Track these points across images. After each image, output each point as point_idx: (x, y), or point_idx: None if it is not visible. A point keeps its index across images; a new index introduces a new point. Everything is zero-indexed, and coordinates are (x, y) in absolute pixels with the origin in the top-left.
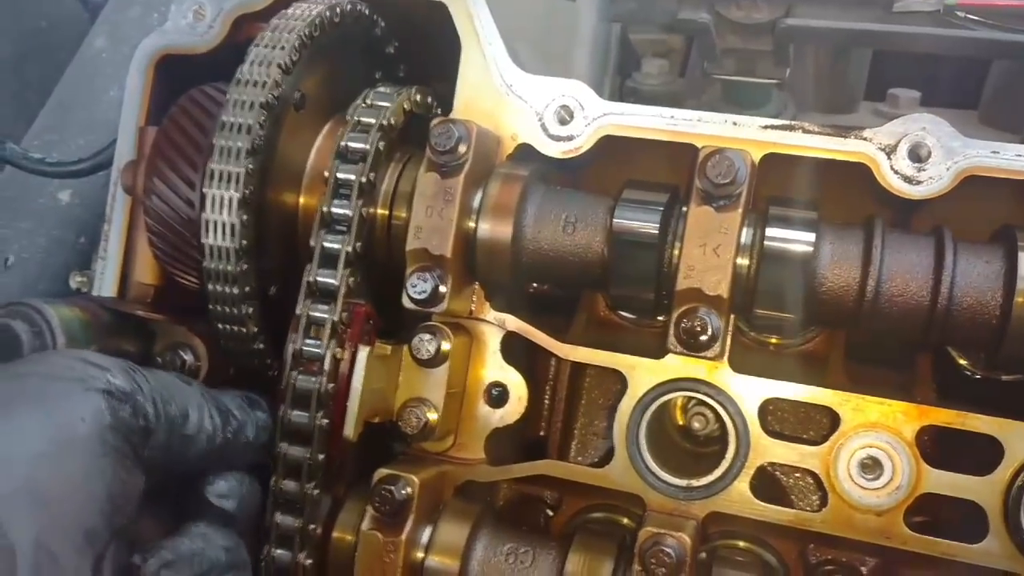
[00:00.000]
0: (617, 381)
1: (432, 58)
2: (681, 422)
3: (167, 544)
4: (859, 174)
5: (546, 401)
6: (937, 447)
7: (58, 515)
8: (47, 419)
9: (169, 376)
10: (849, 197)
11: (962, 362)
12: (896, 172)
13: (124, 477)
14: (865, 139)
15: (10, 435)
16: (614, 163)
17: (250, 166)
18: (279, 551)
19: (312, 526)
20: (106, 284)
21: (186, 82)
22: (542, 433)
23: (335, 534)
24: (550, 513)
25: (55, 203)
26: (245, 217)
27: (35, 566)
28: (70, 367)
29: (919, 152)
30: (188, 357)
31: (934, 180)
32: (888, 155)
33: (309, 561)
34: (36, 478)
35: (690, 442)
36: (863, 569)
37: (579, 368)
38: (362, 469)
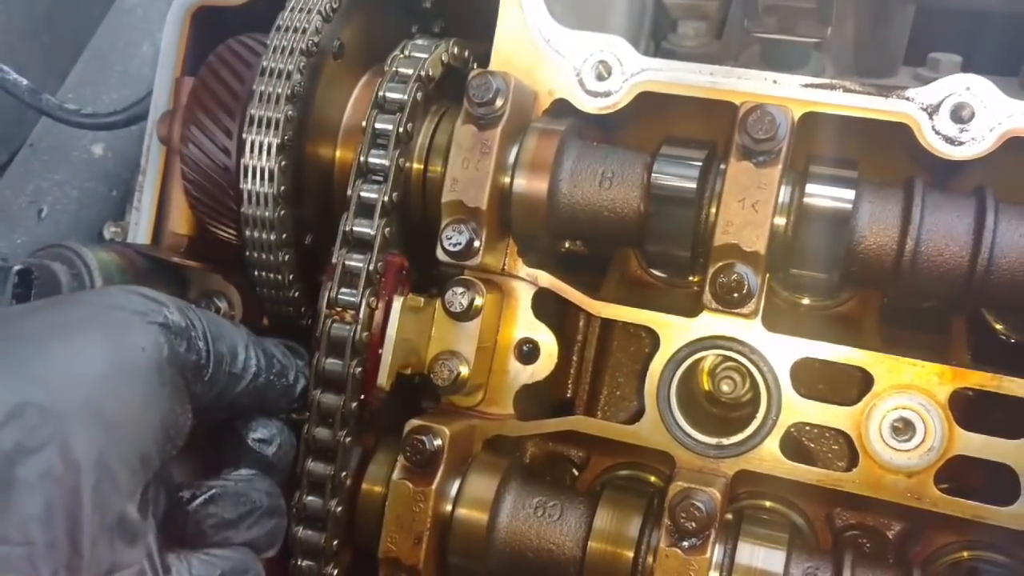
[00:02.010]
0: (645, 342)
1: (468, 15)
2: (708, 387)
3: (212, 483)
4: (899, 134)
5: (574, 361)
6: (970, 410)
7: (118, 437)
8: (109, 345)
9: (217, 316)
10: (888, 158)
11: (998, 326)
12: (938, 133)
13: (178, 410)
14: (907, 99)
15: (74, 356)
16: (651, 120)
17: (289, 112)
18: (310, 498)
19: (343, 474)
20: (140, 234)
21: (221, 34)
22: (569, 395)
23: (365, 485)
24: (576, 472)
25: (88, 156)
26: (284, 163)
27: (97, 482)
28: (129, 300)
29: (962, 113)
30: (222, 305)
31: (976, 141)
32: (930, 115)
33: (340, 508)
34: (98, 399)
35: (717, 407)
36: (889, 534)
37: (608, 328)
38: (392, 423)
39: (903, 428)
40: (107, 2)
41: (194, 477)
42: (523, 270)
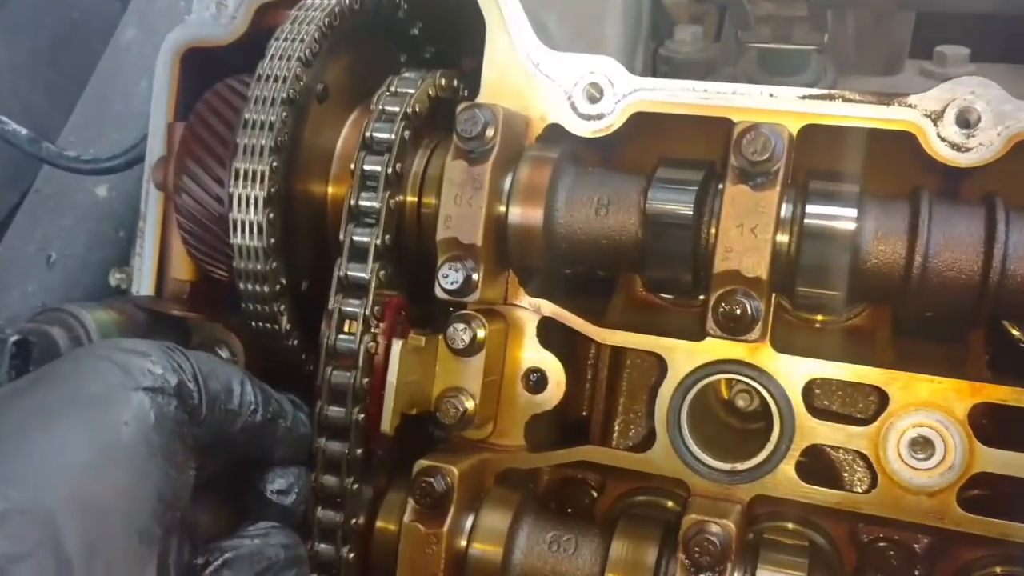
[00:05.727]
0: (658, 362)
1: (458, 37)
2: (726, 396)
3: (226, 544)
4: (904, 142)
5: (587, 382)
6: (992, 424)
7: (110, 523)
8: (90, 427)
9: (208, 355)
10: (895, 166)
11: (1015, 333)
12: (943, 139)
13: (173, 474)
14: (910, 106)
15: (55, 446)
16: (647, 138)
17: (274, 163)
18: (323, 546)
19: (353, 520)
20: (144, 281)
21: (213, 74)
22: (585, 413)
23: (378, 525)
24: (595, 495)
25: (93, 198)
26: (272, 215)
27: (92, 574)
28: (108, 365)
29: (968, 117)
30: (224, 353)
31: (984, 147)
32: (935, 122)
33: (352, 555)
34: (84, 488)
35: (736, 417)
36: (917, 547)
37: (620, 349)
38: (403, 458)
39: (922, 446)
40: (107, 38)
41: (221, 527)
42: (525, 300)
